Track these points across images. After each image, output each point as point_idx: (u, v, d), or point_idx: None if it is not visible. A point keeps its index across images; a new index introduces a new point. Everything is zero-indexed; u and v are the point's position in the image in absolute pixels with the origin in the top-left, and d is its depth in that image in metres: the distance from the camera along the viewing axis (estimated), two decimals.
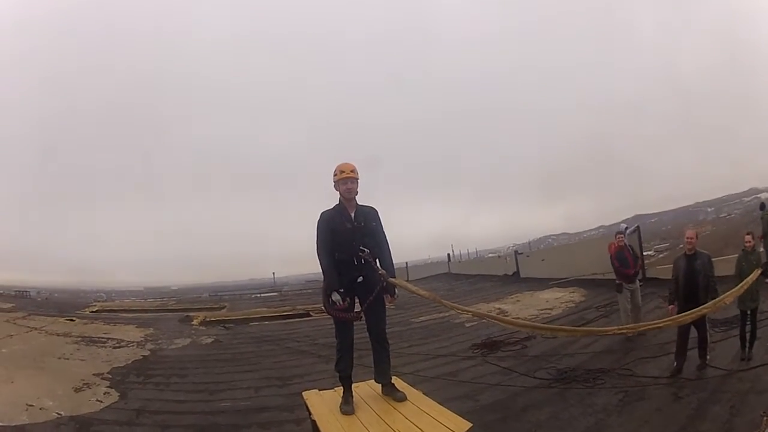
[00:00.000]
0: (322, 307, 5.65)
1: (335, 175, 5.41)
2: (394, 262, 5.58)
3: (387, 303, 5.57)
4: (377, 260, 5.44)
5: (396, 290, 5.58)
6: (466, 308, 6.13)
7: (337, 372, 5.52)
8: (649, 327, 7.72)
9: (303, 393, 5.94)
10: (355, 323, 5.49)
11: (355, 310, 5.42)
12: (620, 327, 8.74)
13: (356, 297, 5.41)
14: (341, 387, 5.52)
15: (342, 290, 5.27)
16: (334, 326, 5.55)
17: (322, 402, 5.55)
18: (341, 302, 5.25)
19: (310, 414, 5.41)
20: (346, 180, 5.36)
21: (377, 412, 5.09)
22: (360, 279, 5.40)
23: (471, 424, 4.59)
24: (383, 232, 5.58)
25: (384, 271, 5.36)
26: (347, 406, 5.27)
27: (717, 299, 6.42)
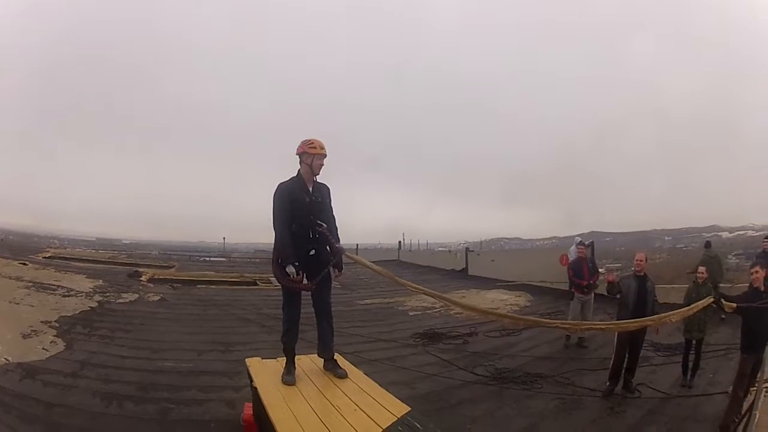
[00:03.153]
0: (274, 277, 5.69)
1: (311, 147, 5.43)
2: (345, 243, 5.64)
3: (333, 277, 5.69)
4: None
5: (343, 266, 5.71)
6: (419, 287, 6.23)
7: (283, 343, 5.62)
8: (592, 327, 7.99)
9: (246, 360, 6.05)
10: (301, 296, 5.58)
11: (304, 282, 5.43)
12: (564, 322, 9.02)
13: (305, 270, 5.41)
14: (284, 357, 5.63)
15: (297, 263, 5.31)
16: (282, 297, 5.61)
17: (264, 370, 5.66)
18: (295, 275, 5.29)
19: (251, 381, 5.51)
20: (321, 156, 5.44)
21: (318, 386, 5.23)
22: (312, 252, 5.48)
23: (409, 408, 4.70)
24: (332, 208, 5.68)
25: (341, 246, 5.50)
26: (289, 376, 5.40)
27: (663, 314, 6.69)
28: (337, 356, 5.89)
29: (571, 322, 10.25)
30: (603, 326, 6.99)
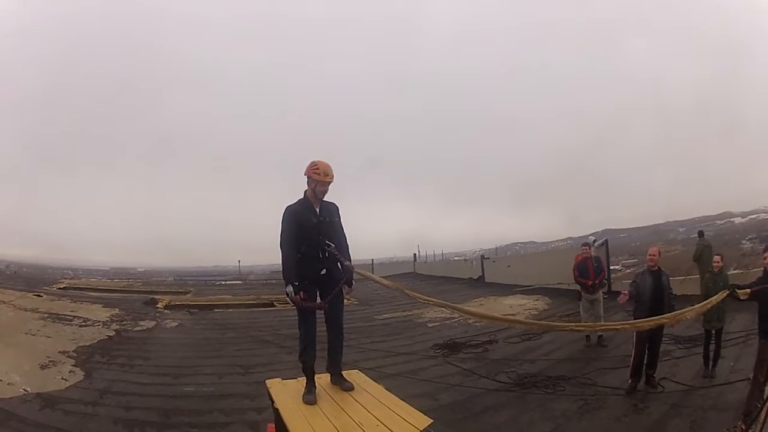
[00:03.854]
0: (287, 297, 5.65)
1: (315, 172, 5.44)
2: (360, 258, 5.78)
3: (346, 293, 5.73)
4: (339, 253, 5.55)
5: (354, 282, 5.70)
6: (429, 299, 6.20)
7: (302, 362, 5.60)
8: (606, 327, 7.95)
9: (266, 381, 5.97)
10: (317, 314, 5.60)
11: (317, 301, 5.50)
12: (578, 324, 8.95)
13: (318, 289, 5.50)
14: (304, 377, 5.60)
15: (296, 283, 5.33)
16: (297, 316, 5.62)
17: (285, 391, 5.60)
18: (293, 294, 5.31)
19: (273, 402, 5.43)
20: (324, 183, 5.44)
21: (339, 404, 5.17)
22: (323, 272, 5.50)
23: (432, 420, 4.62)
24: (342, 228, 5.70)
25: (349, 263, 5.50)
26: (310, 395, 5.36)
27: (678, 312, 6.61)
28: (357, 372, 5.94)
29: (585, 324, 10.16)
30: (618, 326, 6.91)
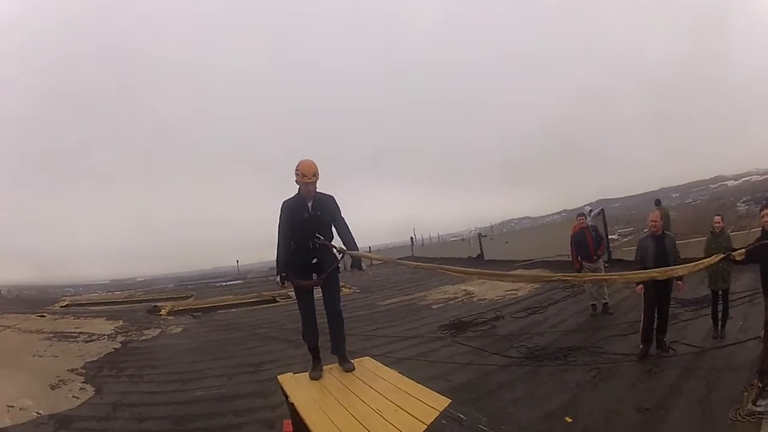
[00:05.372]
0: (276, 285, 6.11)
1: (298, 174, 5.68)
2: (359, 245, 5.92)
3: (359, 275, 6.13)
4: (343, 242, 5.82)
5: (364, 265, 6.07)
6: (473, 270, 6.14)
7: (305, 342, 5.98)
8: (595, 279, 7.93)
9: (278, 377, 5.97)
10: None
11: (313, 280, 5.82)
12: (565, 275, 9.10)
13: (314, 274, 5.79)
14: (314, 378, 5.77)
15: (284, 274, 5.75)
16: (295, 296, 6.03)
17: (298, 385, 5.60)
18: (280, 284, 5.82)
19: (287, 397, 5.43)
20: (307, 183, 5.66)
21: (355, 393, 5.16)
22: (315, 261, 5.79)
23: (450, 400, 4.61)
24: (342, 217, 5.88)
25: (341, 247, 5.77)
26: (315, 372, 5.72)
27: (669, 268, 6.61)
28: (369, 359, 6.11)
29: (574, 274, 10.20)
30: (606, 277, 6.97)
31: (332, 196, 5.93)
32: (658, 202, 15.44)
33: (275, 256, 5.88)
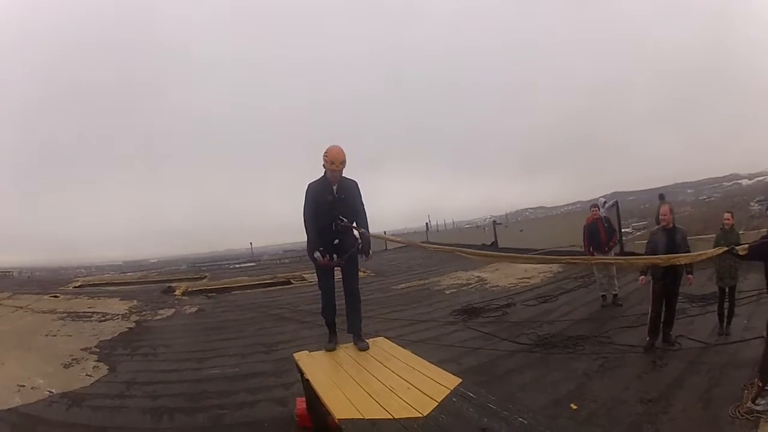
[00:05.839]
0: (309, 259, 6.39)
1: (326, 160, 5.95)
2: (374, 231, 6.36)
3: (364, 260, 6.53)
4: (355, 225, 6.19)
5: (370, 251, 6.38)
6: (496, 254, 6.32)
7: (323, 317, 6.47)
8: (602, 261, 7.89)
9: (294, 354, 6.12)
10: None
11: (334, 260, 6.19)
12: (573, 257, 9.23)
13: (335, 255, 6.15)
14: (329, 349, 6.16)
15: (322, 248, 6.08)
16: (317, 278, 6.46)
17: (313, 362, 5.74)
18: (321, 258, 6.08)
19: (303, 374, 5.55)
20: (333, 171, 5.96)
21: (369, 371, 5.29)
22: (336, 242, 6.16)
23: (461, 380, 4.77)
24: (362, 203, 6.24)
25: (363, 229, 6.16)
26: (330, 344, 6.25)
27: (671, 255, 6.64)
28: (383, 339, 6.47)
29: (581, 257, 10.77)
30: (612, 260, 7.03)
31: (355, 181, 6.23)
32: (662, 197, 15.37)
33: (306, 236, 6.23)
